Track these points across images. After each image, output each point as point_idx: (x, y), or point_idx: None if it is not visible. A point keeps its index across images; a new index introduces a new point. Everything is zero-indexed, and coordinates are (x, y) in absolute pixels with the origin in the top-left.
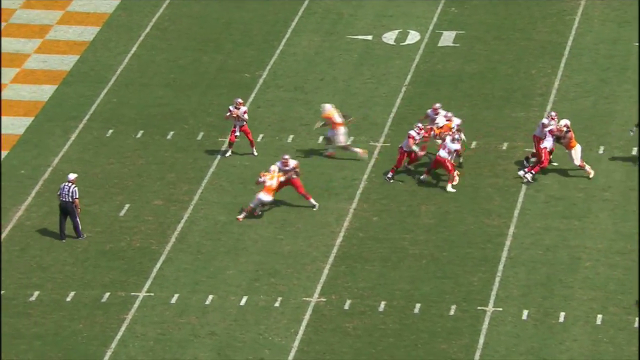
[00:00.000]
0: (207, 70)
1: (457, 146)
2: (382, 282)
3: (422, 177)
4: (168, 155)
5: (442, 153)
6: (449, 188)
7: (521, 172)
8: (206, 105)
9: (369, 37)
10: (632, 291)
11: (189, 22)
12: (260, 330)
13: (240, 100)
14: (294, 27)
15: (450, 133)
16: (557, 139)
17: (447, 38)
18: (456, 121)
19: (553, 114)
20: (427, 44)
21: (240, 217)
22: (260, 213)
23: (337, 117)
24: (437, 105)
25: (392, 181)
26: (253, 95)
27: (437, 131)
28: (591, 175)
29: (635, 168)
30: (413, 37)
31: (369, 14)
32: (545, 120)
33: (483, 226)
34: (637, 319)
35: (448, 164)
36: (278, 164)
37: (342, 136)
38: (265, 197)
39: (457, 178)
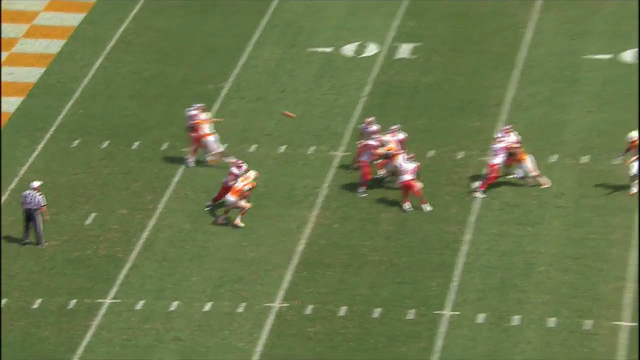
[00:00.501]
0: (171, 82)
1: (412, 165)
2: (342, 287)
3: (406, 207)
4: (133, 165)
5: (406, 177)
6: (427, 208)
7: (477, 194)
8: (170, 116)
9: (329, 50)
10: (584, 295)
11: (153, 35)
12: (224, 336)
13: (198, 106)
14: (256, 40)
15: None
16: (510, 154)
17: (405, 50)
18: (400, 136)
19: (507, 127)
20: (386, 56)
21: (220, 219)
22: (224, 221)
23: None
24: (370, 119)
25: (365, 194)
26: (216, 106)
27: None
28: (546, 186)
29: (587, 175)
30: (372, 49)
31: (329, 27)
32: (499, 134)
33: (440, 233)
34: (592, 321)
35: (414, 185)
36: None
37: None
38: (231, 198)
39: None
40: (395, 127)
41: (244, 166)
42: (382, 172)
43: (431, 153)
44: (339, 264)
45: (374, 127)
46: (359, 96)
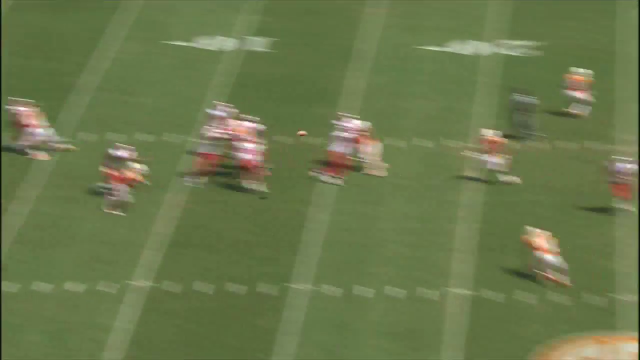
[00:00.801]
0: (35, 75)
1: (252, 145)
2: (203, 266)
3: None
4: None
5: (245, 156)
6: (261, 188)
7: (324, 177)
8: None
9: (186, 44)
10: (424, 266)
11: (14, 30)
12: (93, 315)
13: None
14: (114, 34)
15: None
16: (355, 141)
17: (258, 44)
18: (251, 125)
19: (348, 114)
20: (241, 50)
21: (108, 209)
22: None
23: None
24: (220, 103)
25: (202, 185)
26: (76, 97)
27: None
28: (382, 174)
29: (425, 156)
30: (228, 43)
31: (186, 22)
32: (344, 123)
33: (293, 212)
34: (430, 290)
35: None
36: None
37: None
38: (117, 185)
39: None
40: (250, 117)
41: (131, 153)
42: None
43: (283, 138)
44: (202, 245)
45: (223, 113)
46: (214, 88)
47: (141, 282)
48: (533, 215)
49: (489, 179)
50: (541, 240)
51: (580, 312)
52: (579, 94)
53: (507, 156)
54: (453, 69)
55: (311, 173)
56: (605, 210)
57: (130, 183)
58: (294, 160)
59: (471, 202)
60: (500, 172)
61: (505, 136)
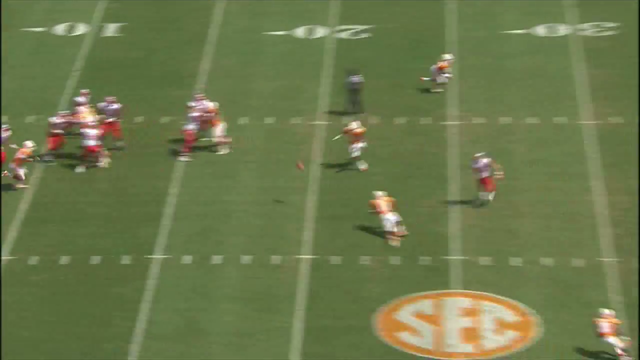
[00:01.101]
0: None
1: (95, 131)
2: (64, 239)
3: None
4: None
5: (89, 142)
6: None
7: (182, 158)
8: None
9: (41, 29)
10: (272, 234)
11: None
12: None
13: None
14: None
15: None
16: (204, 122)
17: (112, 29)
18: (114, 106)
19: (199, 95)
20: (95, 34)
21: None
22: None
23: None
24: (83, 90)
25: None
26: None
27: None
28: (222, 152)
29: (272, 133)
30: (82, 28)
31: (40, 9)
32: (192, 103)
33: (150, 187)
34: (279, 257)
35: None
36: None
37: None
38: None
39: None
40: (110, 98)
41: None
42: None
43: (140, 119)
44: (60, 219)
45: (82, 99)
46: (71, 71)
47: (3, 257)
48: (370, 186)
49: (345, 162)
50: (383, 202)
51: (416, 273)
52: (443, 77)
53: (364, 142)
54: (295, 51)
55: (180, 155)
56: (437, 179)
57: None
58: (149, 139)
59: (314, 175)
60: (358, 159)
61: (340, 113)
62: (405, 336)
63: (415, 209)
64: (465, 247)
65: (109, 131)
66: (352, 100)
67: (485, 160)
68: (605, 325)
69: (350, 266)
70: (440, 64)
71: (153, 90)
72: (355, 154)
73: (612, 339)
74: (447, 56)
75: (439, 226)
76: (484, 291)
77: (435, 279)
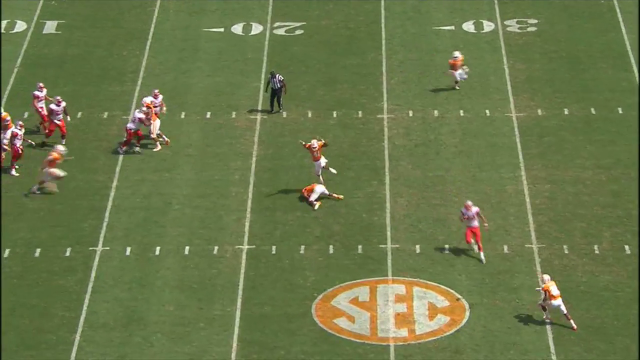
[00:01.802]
0: None
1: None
2: (4, 233)
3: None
4: None
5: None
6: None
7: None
8: None
9: None
10: (211, 226)
11: None
12: None
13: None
14: None
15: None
16: (145, 115)
17: (50, 26)
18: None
19: (156, 91)
20: (33, 32)
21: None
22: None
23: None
24: (41, 84)
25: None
26: None
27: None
28: (156, 149)
29: (210, 127)
30: (20, 26)
31: None
32: (137, 114)
33: (91, 181)
34: (218, 247)
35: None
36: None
37: None
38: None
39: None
40: (58, 97)
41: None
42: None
43: (79, 114)
44: (6, 213)
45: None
46: (11, 68)
47: None
48: (305, 178)
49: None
50: (313, 186)
51: (351, 261)
52: (456, 73)
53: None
54: (232, 47)
55: (120, 149)
56: (371, 170)
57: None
58: (90, 134)
59: (249, 167)
60: (327, 168)
61: (264, 111)
62: (342, 322)
63: (351, 200)
64: (399, 235)
65: (55, 129)
66: (273, 100)
67: (475, 209)
68: (553, 288)
69: (287, 255)
70: (451, 61)
71: (93, 87)
72: (320, 170)
73: (557, 302)
74: (456, 54)
75: (373, 216)
76: (417, 278)
77: (370, 267)
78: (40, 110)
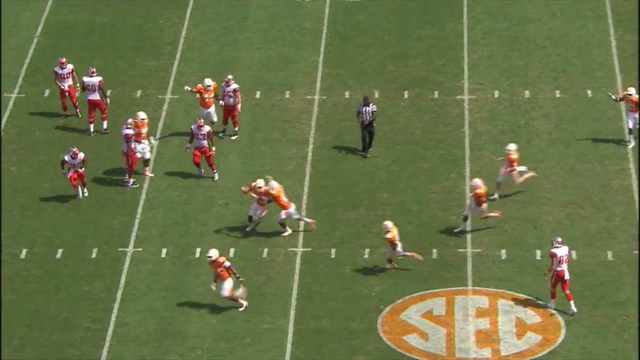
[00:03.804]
0: None
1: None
2: (22, 230)
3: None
4: None
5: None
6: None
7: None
8: None
9: None
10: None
11: None
12: None
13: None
14: None
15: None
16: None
17: None
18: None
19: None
20: None
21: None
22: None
23: None
24: (63, 59)
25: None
26: None
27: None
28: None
29: (260, 109)
30: None
31: None
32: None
33: (121, 171)
34: (267, 249)
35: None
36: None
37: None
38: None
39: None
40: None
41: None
42: None
43: (108, 93)
44: (17, 207)
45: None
46: (31, 38)
47: None
48: (373, 170)
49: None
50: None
51: (425, 268)
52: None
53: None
54: (286, 15)
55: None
56: (449, 161)
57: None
58: (121, 117)
59: (304, 156)
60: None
61: (341, 86)
62: (413, 339)
63: (425, 196)
64: (481, 238)
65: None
66: (365, 136)
67: (565, 250)
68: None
69: (349, 260)
70: (623, 93)
71: (124, 60)
72: (282, 218)
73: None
74: (631, 90)
75: (451, 214)
76: (502, 288)
77: (446, 275)
78: (64, 90)
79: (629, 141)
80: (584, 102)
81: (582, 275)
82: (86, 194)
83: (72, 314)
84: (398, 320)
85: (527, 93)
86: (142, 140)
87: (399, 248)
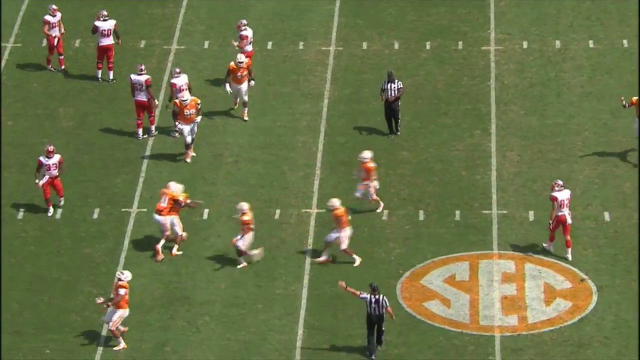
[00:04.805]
0: None
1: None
2: (20, 189)
3: None
4: None
5: None
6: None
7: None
8: None
9: None
10: (273, 184)
11: None
12: None
13: None
14: None
15: None
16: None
17: None
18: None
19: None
20: None
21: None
22: None
23: None
24: (54, 6)
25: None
26: None
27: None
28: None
29: (272, 61)
30: None
31: None
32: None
33: (124, 126)
34: (280, 210)
35: None
36: None
37: None
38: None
39: None
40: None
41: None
42: None
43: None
44: (15, 164)
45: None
46: None
47: None
48: (379, 130)
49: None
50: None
51: (451, 231)
52: None
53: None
54: None
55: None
56: (473, 117)
57: None
58: (124, 69)
59: (319, 111)
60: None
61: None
62: (434, 306)
63: (448, 154)
64: (507, 199)
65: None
66: (389, 117)
67: (567, 193)
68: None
69: (366, 222)
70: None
71: (127, 8)
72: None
73: None
74: None
75: (475, 174)
76: (529, 252)
77: (470, 238)
78: (52, 39)
79: None
80: (619, 53)
81: (614, 238)
82: (62, 203)
83: (74, 277)
84: (418, 285)
85: (557, 43)
86: (188, 123)
87: (240, 242)
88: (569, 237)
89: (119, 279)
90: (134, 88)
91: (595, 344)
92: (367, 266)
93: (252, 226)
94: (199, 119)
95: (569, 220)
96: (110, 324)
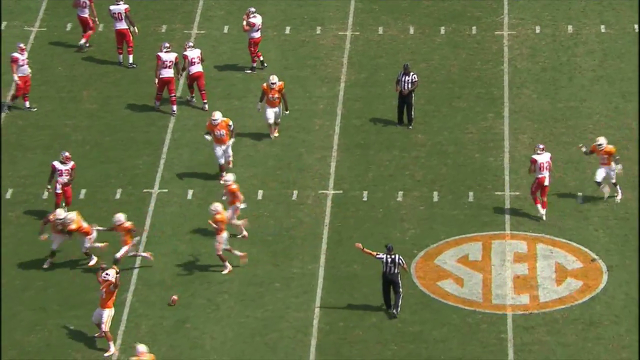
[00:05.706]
0: None
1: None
2: (44, 170)
3: None
4: None
5: None
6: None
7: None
8: None
9: None
10: (289, 166)
11: None
12: None
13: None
14: None
15: None
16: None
17: None
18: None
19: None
20: None
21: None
22: None
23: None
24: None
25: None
26: None
27: None
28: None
29: (289, 46)
30: None
31: None
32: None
33: (145, 109)
34: (297, 192)
35: None
36: None
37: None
38: None
39: None
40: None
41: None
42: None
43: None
44: (40, 146)
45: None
46: None
47: None
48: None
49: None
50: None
51: (464, 212)
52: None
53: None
54: None
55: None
56: (486, 101)
57: None
58: (146, 54)
59: (336, 95)
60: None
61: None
62: (447, 285)
63: (462, 136)
64: (520, 181)
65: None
66: (402, 108)
67: (547, 156)
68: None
69: (381, 203)
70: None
71: None
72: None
73: None
74: (601, 140)
75: (488, 156)
76: (541, 233)
77: (483, 219)
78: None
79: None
80: (631, 38)
81: (625, 219)
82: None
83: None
84: (432, 265)
85: (570, 28)
86: (219, 144)
87: (223, 237)
88: (545, 199)
89: (107, 274)
90: (113, 17)
91: (605, 322)
92: (381, 246)
93: (224, 227)
94: (231, 141)
95: (547, 182)
96: (102, 325)
